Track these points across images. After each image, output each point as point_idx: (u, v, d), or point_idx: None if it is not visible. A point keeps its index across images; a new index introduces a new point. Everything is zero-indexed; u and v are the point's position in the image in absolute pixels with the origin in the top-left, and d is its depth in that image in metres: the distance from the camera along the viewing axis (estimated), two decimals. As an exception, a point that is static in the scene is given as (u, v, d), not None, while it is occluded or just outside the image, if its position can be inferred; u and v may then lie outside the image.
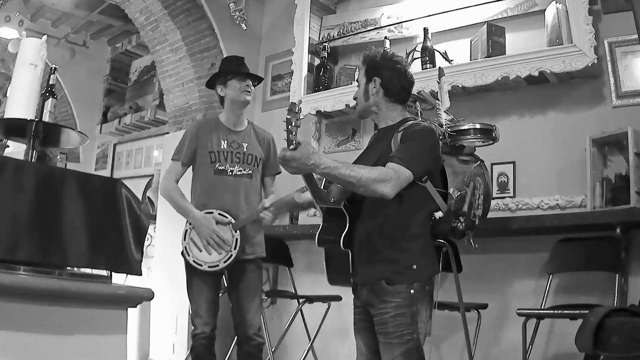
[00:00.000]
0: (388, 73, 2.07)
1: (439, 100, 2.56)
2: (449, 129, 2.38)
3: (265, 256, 2.91)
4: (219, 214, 2.73)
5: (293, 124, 1.84)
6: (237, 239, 2.70)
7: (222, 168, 2.79)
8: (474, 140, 2.43)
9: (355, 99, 2.17)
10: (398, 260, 1.92)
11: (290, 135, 1.84)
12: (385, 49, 2.83)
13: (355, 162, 2.04)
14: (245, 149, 2.84)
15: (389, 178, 1.83)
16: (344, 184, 1.90)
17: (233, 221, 2.73)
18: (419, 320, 1.90)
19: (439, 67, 2.73)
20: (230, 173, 2.80)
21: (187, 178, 2.93)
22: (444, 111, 2.52)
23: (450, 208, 2.03)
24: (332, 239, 2.02)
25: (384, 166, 1.88)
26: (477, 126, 2.43)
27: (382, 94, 2.07)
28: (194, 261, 2.71)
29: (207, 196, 2.79)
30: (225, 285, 2.91)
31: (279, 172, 2.88)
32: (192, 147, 2.85)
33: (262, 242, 2.89)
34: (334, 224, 2.04)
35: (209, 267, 2.69)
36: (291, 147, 1.83)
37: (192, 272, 2.76)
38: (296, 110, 1.86)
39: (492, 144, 2.52)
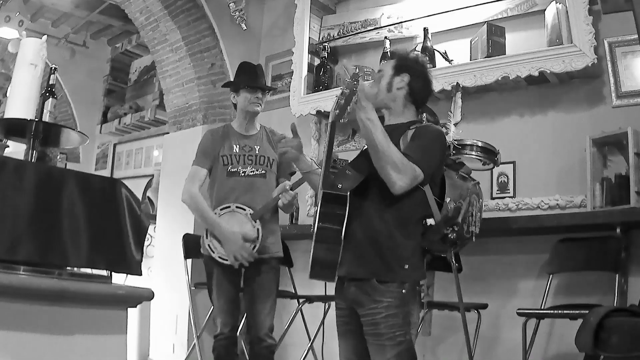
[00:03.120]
0: (417, 75, 2.06)
1: (450, 112, 2.57)
2: (455, 141, 2.39)
3: (282, 256, 2.91)
4: (237, 207, 2.75)
5: (349, 92, 1.81)
6: (258, 229, 2.72)
7: (234, 170, 2.82)
8: (475, 159, 2.43)
9: (372, 85, 2.09)
10: (390, 258, 1.89)
11: (341, 102, 1.82)
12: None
13: (361, 156, 2.01)
14: (257, 151, 2.87)
15: (407, 170, 1.82)
16: (373, 148, 1.85)
17: (251, 212, 2.74)
18: (411, 321, 1.88)
19: (456, 83, 2.71)
20: (243, 174, 2.82)
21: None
22: (454, 124, 2.52)
23: (446, 215, 2.01)
24: (331, 227, 1.90)
25: None
26: (479, 144, 2.44)
27: (406, 91, 2.05)
28: (219, 257, 2.72)
29: (223, 198, 2.81)
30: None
31: (294, 172, 2.88)
32: (210, 153, 2.88)
33: (277, 242, 2.88)
34: (331, 211, 1.92)
35: None
36: (336, 111, 1.83)
37: (211, 273, 2.78)
38: (356, 81, 1.83)
39: (493, 167, 2.51)
